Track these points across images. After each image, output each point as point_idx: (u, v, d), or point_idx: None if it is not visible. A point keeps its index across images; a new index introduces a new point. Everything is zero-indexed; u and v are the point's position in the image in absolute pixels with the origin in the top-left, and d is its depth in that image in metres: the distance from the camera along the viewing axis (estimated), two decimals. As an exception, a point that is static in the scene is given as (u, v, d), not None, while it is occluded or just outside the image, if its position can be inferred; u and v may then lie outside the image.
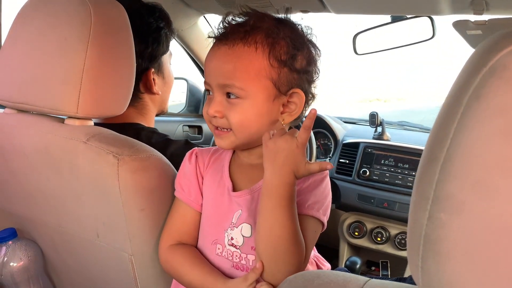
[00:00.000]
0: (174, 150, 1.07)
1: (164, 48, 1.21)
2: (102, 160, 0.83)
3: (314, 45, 0.82)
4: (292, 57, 0.76)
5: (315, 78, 0.83)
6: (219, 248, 0.83)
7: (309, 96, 0.82)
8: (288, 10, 0.82)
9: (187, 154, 0.89)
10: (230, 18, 0.78)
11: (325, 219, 0.80)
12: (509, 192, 0.35)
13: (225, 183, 0.83)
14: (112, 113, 0.93)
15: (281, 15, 0.81)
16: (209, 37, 0.80)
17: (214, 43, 0.79)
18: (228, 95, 0.76)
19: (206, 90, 0.81)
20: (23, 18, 0.96)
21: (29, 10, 0.96)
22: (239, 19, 0.78)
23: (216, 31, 0.79)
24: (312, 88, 0.83)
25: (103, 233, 0.91)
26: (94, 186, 0.87)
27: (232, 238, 0.81)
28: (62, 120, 0.93)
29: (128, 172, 0.82)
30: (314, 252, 0.93)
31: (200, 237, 0.87)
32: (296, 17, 0.83)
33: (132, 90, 0.96)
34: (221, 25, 0.79)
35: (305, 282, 0.50)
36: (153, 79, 1.19)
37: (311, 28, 0.82)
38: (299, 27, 0.81)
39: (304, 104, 0.81)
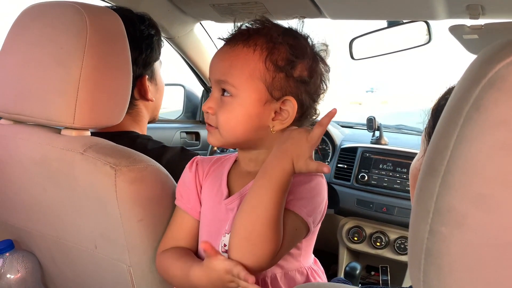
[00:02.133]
0: (170, 157, 1.07)
1: (156, 54, 1.23)
2: (99, 171, 0.82)
3: (321, 59, 0.82)
4: (290, 64, 0.77)
5: (319, 92, 0.82)
6: None
7: (309, 110, 0.82)
8: (301, 23, 0.82)
9: (189, 162, 0.90)
10: (240, 24, 0.81)
11: (309, 220, 0.76)
12: (510, 205, 0.35)
13: (222, 191, 0.83)
14: (109, 123, 0.93)
15: (291, 26, 0.82)
16: (218, 38, 0.83)
17: (222, 45, 0.82)
18: (223, 92, 0.78)
19: (210, 87, 0.83)
20: (19, 28, 0.96)
21: (25, 20, 0.96)
22: (249, 26, 0.80)
23: (226, 35, 0.82)
24: (316, 104, 0.83)
25: (101, 244, 0.91)
26: (92, 197, 0.86)
27: (225, 245, 0.80)
28: (58, 131, 0.93)
29: (125, 183, 0.82)
30: (313, 266, 0.89)
31: (199, 246, 0.87)
32: (311, 30, 0.83)
33: (129, 100, 0.95)
34: (232, 30, 0.82)
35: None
36: (147, 85, 1.20)
37: (327, 46, 0.83)
38: (305, 38, 0.81)
39: (307, 117, 0.82)
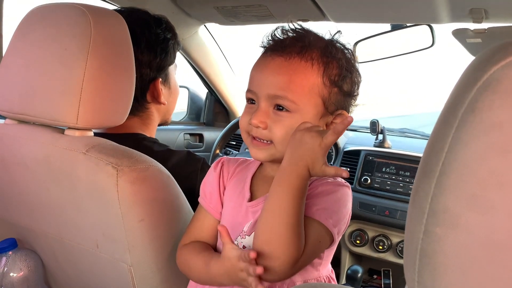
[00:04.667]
0: (176, 161, 1.07)
1: (171, 58, 1.23)
2: (101, 171, 0.83)
3: (358, 71, 0.83)
4: (343, 79, 0.78)
5: (354, 104, 0.84)
6: None
7: None
8: (338, 32, 0.82)
9: (214, 162, 0.91)
10: (280, 31, 0.79)
11: (335, 231, 0.76)
12: (504, 206, 0.35)
13: (244, 194, 0.84)
14: (111, 123, 0.93)
15: (331, 37, 0.82)
16: (261, 46, 0.80)
17: (266, 53, 0.79)
18: (276, 107, 0.76)
19: (248, 99, 0.80)
20: (24, 29, 0.97)
21: (30, 21, 0.97)
22: (294, 34, 0.78)
23: (265, 41, 0.80)
24: (350, 113, 0.84)
25: (103, 244, 0.91)
26: (94, 197, 0.87)
27: (244, 247, 0.80)
28: (62, 131, 0.94)
29: (127, 183, 0.82)
30: (330, 274, 0.88)
31: (218, 245, 0.87)
32: (344, 41, 0.83)
33: (132, 101, 0.96)
34: (273, 36, 0.79)
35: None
36: (160, 89, 1.20)
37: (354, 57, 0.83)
38: (350, 51, 0.82)
39: None
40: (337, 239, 0.79)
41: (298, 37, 0.78)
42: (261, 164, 0.87)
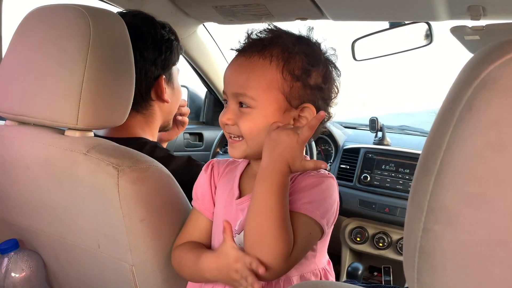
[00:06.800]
0: (176, 167, 1.07)
1: (175, 58, 1.25)
2: (102, 171, 0.83)
3: (332, 64, 0.85)
4: (306, 73, 0.79)
5: (332, 97, 0.85)
6: None
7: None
8: (310, 29, 0.85)
9: (205, 165, 0.93)
10: (251, 32, 0.82)
11: (323, 222, 0.77)
12: (502, 204, 0.35)
13: (234, 192, 0.86)
14: (111, 124, 0.94)
15: (302, 33, 0.84)
16: (231, 49, 0.84)
17: (235, 55, 0.83)
18: (240, 104, 0.79)
19: (224, 100, 0.84)
20: (24, 30, 0.97)
21: (30, 23, 0.97)
22: (261, 35, 0.82)
23: (238, 45, 0.83)
24: (329, 108, 0.85)
25: (104, 244, 0.92)
26: (95, 197, 0.87)
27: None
28: (62, 132, 0.94)
29: (128, 183, 0.83)
30: (326, 267, 0.89)
31: (212, 245, 0.88)
32: (319, 36, 0.85)
33: (131, 101, 0.97)
34: (243, 39, 0.83)
35: (303, 293, 0.50)
36: (164, 87, 1.21)
37: (335, 50, 0.85)
38: (317, 45, 0.84)
39: (322, 122, 0.82)
40: (328, 231, 0.81)
41: (260, 37, 0.81)
42: (249, 163, 0.89)
